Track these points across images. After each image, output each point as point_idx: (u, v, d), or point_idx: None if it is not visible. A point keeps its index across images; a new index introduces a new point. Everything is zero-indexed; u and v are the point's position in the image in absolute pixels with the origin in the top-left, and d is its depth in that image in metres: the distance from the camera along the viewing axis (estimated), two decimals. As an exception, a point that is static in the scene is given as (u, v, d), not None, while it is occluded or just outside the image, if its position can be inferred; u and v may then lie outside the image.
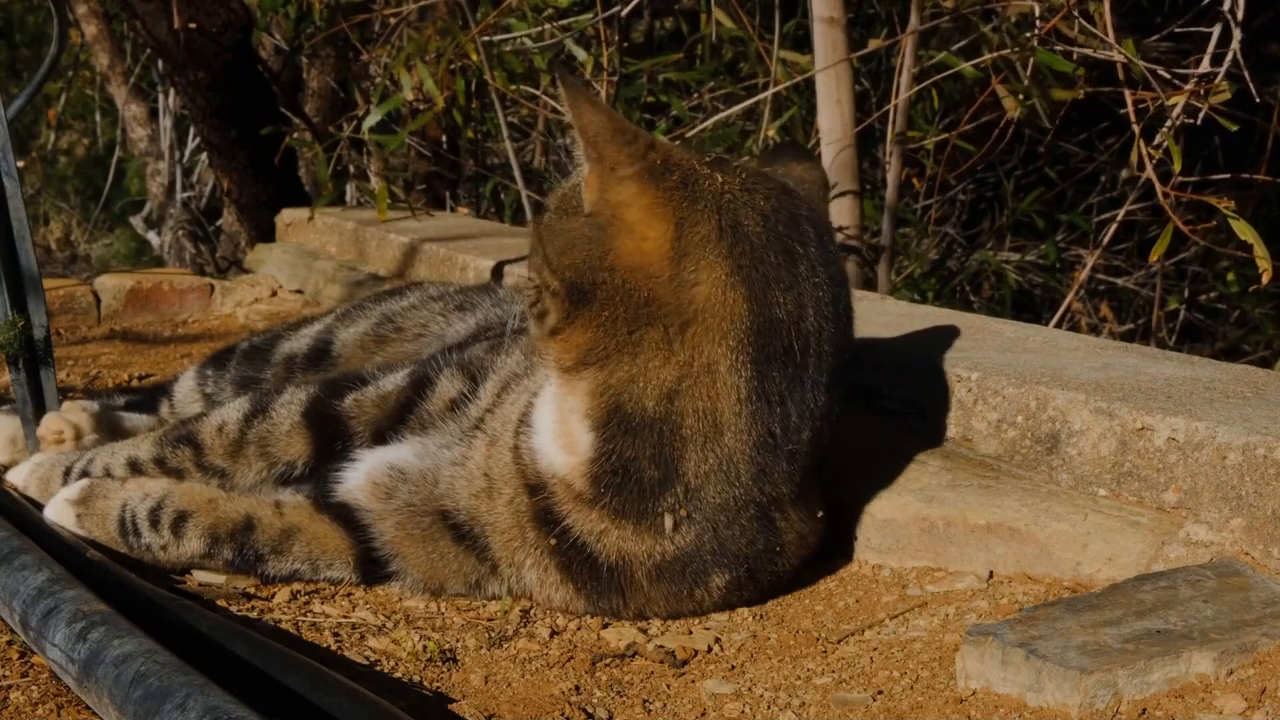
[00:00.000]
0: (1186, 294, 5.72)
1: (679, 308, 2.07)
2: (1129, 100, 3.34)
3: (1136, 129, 3.31)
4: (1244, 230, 3.04)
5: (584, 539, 2.16)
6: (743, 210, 2.10)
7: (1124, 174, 3.32)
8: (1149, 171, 3.26)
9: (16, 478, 2.53)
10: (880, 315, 2.99)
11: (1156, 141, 3.36)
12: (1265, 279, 3.05)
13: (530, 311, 2.20)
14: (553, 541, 2.17)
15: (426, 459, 2.30)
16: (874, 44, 4.69)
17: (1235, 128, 3.40)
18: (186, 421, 2.56)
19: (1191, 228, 3.53)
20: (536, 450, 2.19)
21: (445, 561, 2.26)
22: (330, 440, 2.42)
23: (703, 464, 2.10)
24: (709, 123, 4.64)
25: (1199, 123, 3.42)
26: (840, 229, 4.17)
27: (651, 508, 2.12)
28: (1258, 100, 3.54)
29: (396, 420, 2.40)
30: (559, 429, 2.17)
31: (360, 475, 2.33)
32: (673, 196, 2.09)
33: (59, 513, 2.34)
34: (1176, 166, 3.27)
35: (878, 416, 2.57)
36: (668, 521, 2.13)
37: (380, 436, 2.41)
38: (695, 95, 5.40)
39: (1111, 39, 3.39)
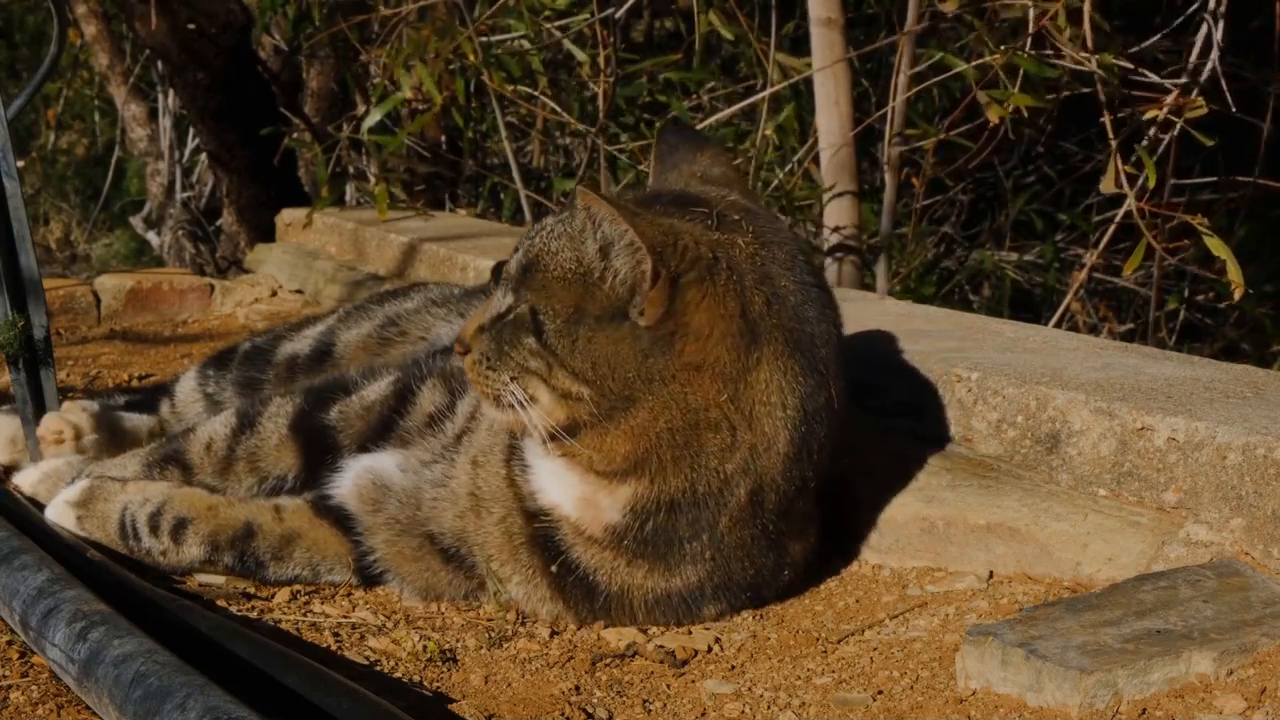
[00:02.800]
0: (1186, 294, 5.72)
1: (743, 398, 2.04)
2: (1106, 114, 3.34)
3: (1113, 143, 3.30)
4: (1217, 247, 3.04)
5: (588, 570, 2.15)
6: (774, 269, 2.08)
7: (1102, 186, 3.31)
8: (1126, 187, 3.26)
9: (25, 482, 2.53)
10: (879, 315, 2.99)
11: (1140, 153, 3.35)
12: (1237, 294, 3.04)
13: (518, 396, 2.07)
14: (553, 569, 2.15)
15: (409, 475, 2.28)
16: (871, 46, 4.69)
17: (1211, 142, 3.40)
18: (173, 439, 2.54)
19: (1175, 243, 3.54)
20: (539, 492, 2.15)
21: (438, 578, 2.26)
22: (320, 452, 2.40)
23: (735, 519, 2.11)
24: (707, 123, 4.64)
25: (1176, 134, 3.43)
26: (838, 229, 4.17)
27: (674, 553, 2.12)
28: (1234, 110, 3.54)
29: (379, 434, 2.38)
30: (580, 501, 2.12)
31: (348, 482, 2.32)
32: (729, 285, 2.02)
33: (59, 514, 2.33)
34: (1151, 182, 3.27)
35: (877, 416, 2.57)
36: (685, 562, 2.13)
37: (365, 447, 2.38)
38: (695, 96, 5.40)
39: (1090, 50, 3.39)
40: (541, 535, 2.15)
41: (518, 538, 2.17)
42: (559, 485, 2.13)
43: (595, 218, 2.00)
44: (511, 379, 2.06)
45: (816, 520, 2.27)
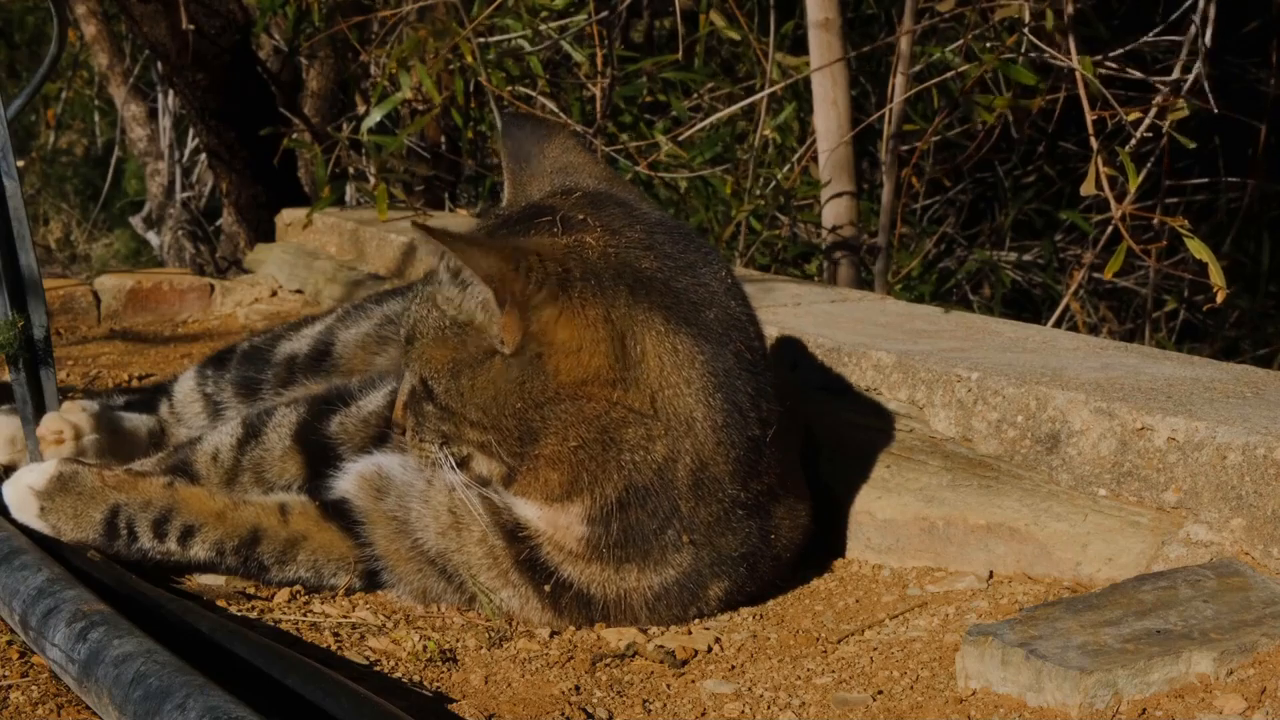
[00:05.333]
0: (1185, 294, 5.72)
1: (641, 389, 2.03)
2: (1088, 119, 3.33)
3: (1094, 145, 3.29)
4: (1199, 249, 3.03)
5: (580, 585, 2.15)
6: (630, 256, 2.06)
7: (1083, 189, 3.31)
8: (1106, 191, 3.26)
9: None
10: (879, 315, 2.99)
11: (1133, 150, 3.35)
12: (1219, 297, 3.03)
13: (450, 461, 2.11)
14: (547, 589, 2.15)
15: (408, 472, 2.27)
16: (869, 47, 4.70)
17: (1192, 145, 3.40)
18: (180, 449, 2.53)
19: (1157, 244, 3.53)
20: (513, 506, 2.15)
21: (432, 583, 2.25)
22: (321, 463, 2.40)
23: (695, 497, 2.10)
24: (707, 122, 4.64)
25: (1165, 136, 3.43)
26: (837, 228, 4.17)
27: (654, 546, 2.12)
28: (1217, 110, 3.54)
29: (378, 441, 2.38)
30: (545, 521, 2.13)
31: (353, 475, 2.32)
32: (585, 293, 2.01)
33: (20, 500, 2.27)
34: (1132, 184, 3.26)
35: (877, 416, 2.57)
36: (669, 552, 2.13)
37: (368, 452, 2.38)
38: (695, 96, 5.40)
39: (1074, 58, 3.39)
40: (528, 558, 2.15)
41: (504, 560, 2.17)
42: (525, 508, 2.15)
43: (439, 250, 2.02)
44: (440, 445, 2.11)
45: (801, 488, 2.27)
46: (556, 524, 2.12)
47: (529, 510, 2.14)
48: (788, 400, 2.22)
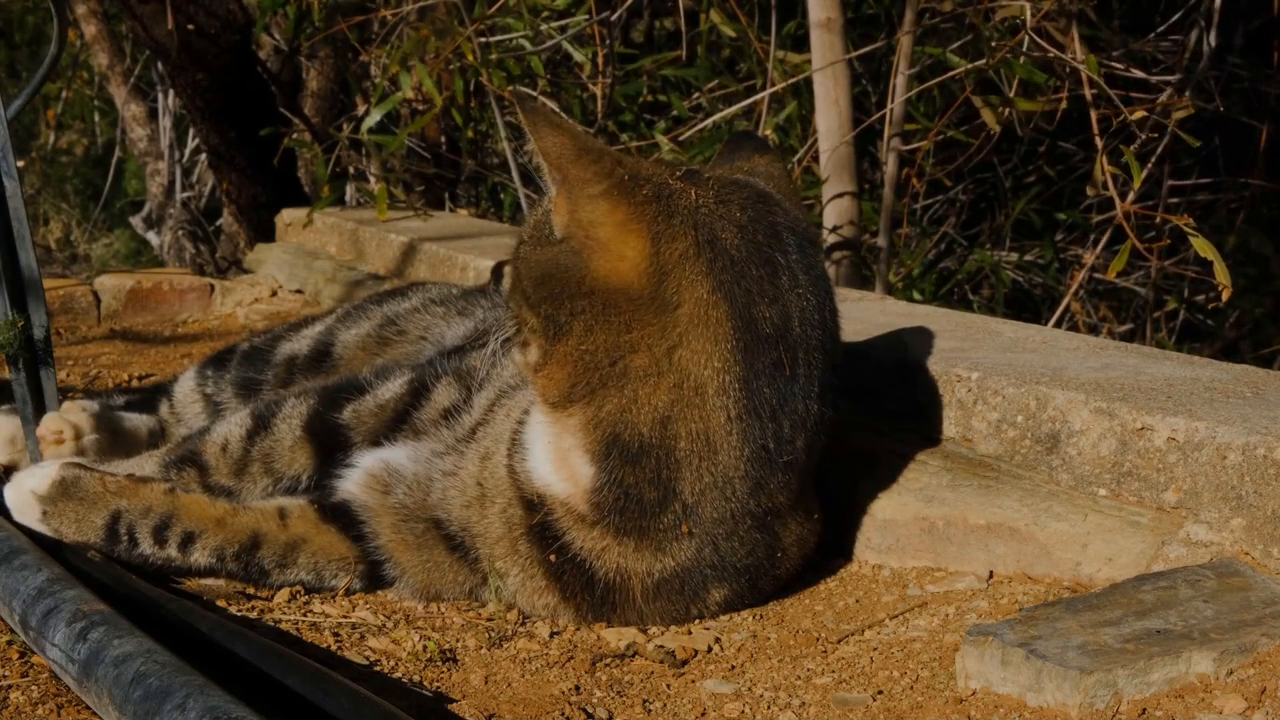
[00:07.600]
0: (1186, 294, 5.72)
1: (663, 331, 2.03)
2: (1093, 117, 3.34)
3: (1099, 145, 3.30)
4: (1204, 248, 3.03)
5: (583, 556, 2.14)
6: (719, 224, 2.07)
7: (1089, 188, 3.32)
8: (1111, 190, 3.26)
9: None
10: (880, 315, 2.99)
11: (1137, 149, 3.35)
12: (1225, 296, 3.03)
13: (514, 342, 2.16)
14: (552, 557, 2.15)
15: (420, 464, 2.29)
16: (870, 47, 4.70)
17: (1197, 144, 3.41)
18: (188, 439, 2.53)
19: (1161, 244, 3.53)
20: (533, 472, 2.17)
21: (441, 571, 2.26)
22: (331, 451, 2.41)
23: (698, 482, 2.08)
24: (708, 122, 4.64)
25: (1168, 136, 3.43)
26: (837, 228, 4.17)
27: (653, 525, 2.11)
28: (1222, 110, 3.55)
29: (392, 428, 2.39)
30: (558, 462, 2.14)
31: (359, 472, 2.32)
32: (645, 210, 2.04)
33: (23, 504, 2.27)
34: (1136, 184, 3.26)
35: (878, 417, 2.57)
36: (668, 538, 2.12)
37: (378, 443, 2.40)
38: (696, 95, 5.40)
39: (1079, 57, 3.40)
40: (540, 525, 2.16)
41: (517, 529, 2.18)
42: (541, 445, 2.16)
43: (525, 127, 2.12)
44: (514, 328, 2.16)
45: (812, 518, 2.26)
46: (566, 457, 2.11)
47: (541, 453, 2.15)
48: (822, 436, 2.20)
